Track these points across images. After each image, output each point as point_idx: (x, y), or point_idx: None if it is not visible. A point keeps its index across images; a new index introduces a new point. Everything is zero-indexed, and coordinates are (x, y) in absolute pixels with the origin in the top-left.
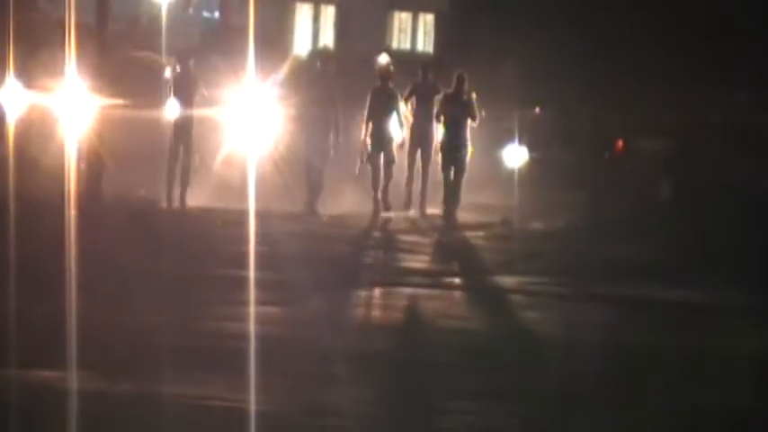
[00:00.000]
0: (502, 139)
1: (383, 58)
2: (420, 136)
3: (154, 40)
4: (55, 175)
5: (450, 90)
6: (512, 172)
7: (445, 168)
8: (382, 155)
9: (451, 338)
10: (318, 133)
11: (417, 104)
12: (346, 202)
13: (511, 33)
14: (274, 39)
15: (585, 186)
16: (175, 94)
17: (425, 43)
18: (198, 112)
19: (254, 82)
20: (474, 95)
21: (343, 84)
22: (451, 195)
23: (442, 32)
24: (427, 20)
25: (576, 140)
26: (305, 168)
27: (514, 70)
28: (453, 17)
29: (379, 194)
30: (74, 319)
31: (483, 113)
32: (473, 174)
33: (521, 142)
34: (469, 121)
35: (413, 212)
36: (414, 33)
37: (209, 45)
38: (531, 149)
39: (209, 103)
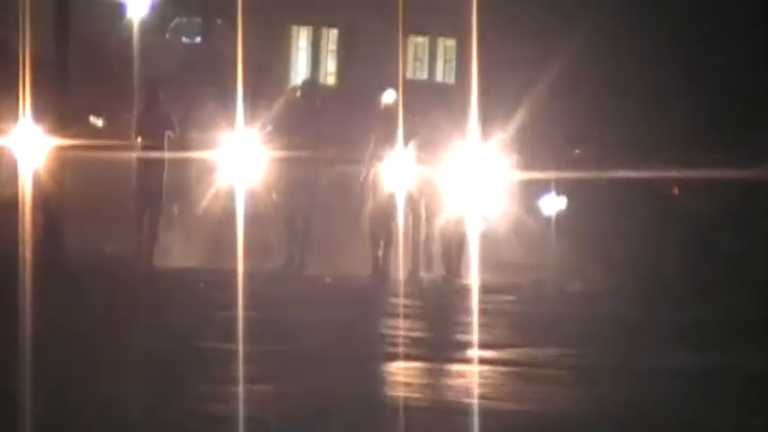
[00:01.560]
0: (537, 187)
1: (388, 96)
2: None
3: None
4: (7, 229)
5: None
6: (548, 224)
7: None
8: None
9: (489, 423)
10: (302, 180)
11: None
12: (343, 259)
13: (541, 62)
14: (266, 68)
15: (634, 240)
16: (141, 132)
17: (445, 72)
18: (173, 154)
19: (241, 119)
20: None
21: (337, 121)
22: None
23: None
24: (447, 46)
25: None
26: (286, 221)
27: (550, 105)
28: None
29: (380, 252)
30: (26, 397)
31: None
32: (502, 228)
33: (558, 190)
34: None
35: (428, 274)
36: (432, 61)
37: (187, 74)
38: (569, 197)
39: (181, 145)
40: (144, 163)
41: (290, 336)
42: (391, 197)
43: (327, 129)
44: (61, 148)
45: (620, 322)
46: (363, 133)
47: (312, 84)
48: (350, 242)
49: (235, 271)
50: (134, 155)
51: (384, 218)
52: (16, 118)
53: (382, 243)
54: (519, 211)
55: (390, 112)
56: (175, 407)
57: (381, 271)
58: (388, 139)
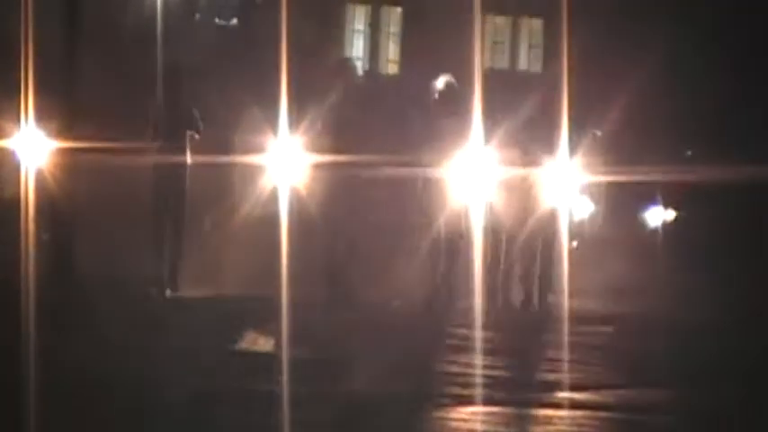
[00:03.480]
0: (640, 197)
1: (442, 83)
2: None
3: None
4: (7, 246)
5: None
6: (653, 241)
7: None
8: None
9: None
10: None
11: None
12: (400, 281)
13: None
14: (316, 54)
15: (759, 259)
16: (161, 130)
17: (531, 59)
18: (199, 157)
19: (285, 116)
20: None
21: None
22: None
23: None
24: (533, 27)
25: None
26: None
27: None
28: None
29: (439, 278)
30: None
31: None
32: (600, 245)
33: (666, 202)
34: None
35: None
36: (514, 45)
37: (219, 62)
38: (678, 209)
39: (212, 147)
40: (163, 167)
41: (346, 376)
42: (459, 207)
43: (389, 123)
44: (69, 152)
45: (740, 359)
46: (424, 132)
47: (349, 64)
48: (410, 261)
49: (277, 299)
50: (152, 158)
51: (450, 233)
52: (19, 118)
53: (447, 263)
54: (619, 223)
55: (447, 101)
56: None
57: (448, 296)
58: (446, 136)
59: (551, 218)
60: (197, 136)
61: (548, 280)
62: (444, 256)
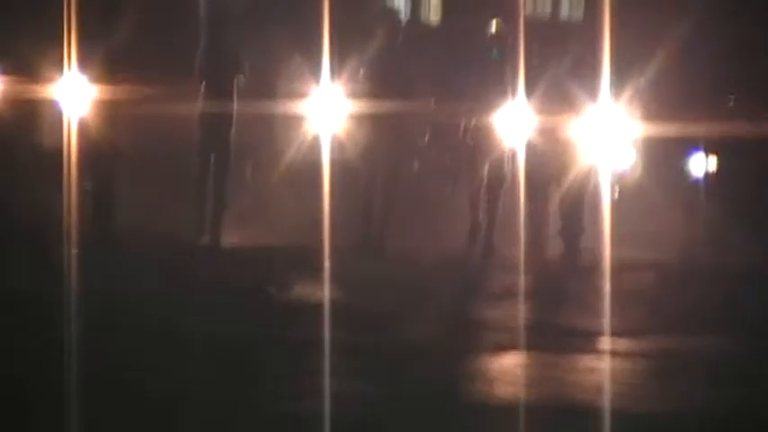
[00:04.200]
0: (682, 144)
1: (494, 26)
2: None
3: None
4: (47, 200)
5: None
6: (695, 190)
7: None
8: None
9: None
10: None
11: None
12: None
13: None
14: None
15: None
16: (203, 76)
17: (573, 5)
18: (242, 104)
19: (327, 64)
20: None
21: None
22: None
23: None
24: None
25: None
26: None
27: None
28: None
29: (482, 223)
30: None
31: None
32: (640, 195)
33: (708, 149)
34: None
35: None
36: None
37: (262, 8)
38: (722, 156)
39: (254, 94)
40: (207, 114)
41: (381, 326)
42: (498, 156)
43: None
44: (112, 100)
45: None
46: (467, 80)
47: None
48: (448, 211)
49: (316, 248)
50: (196, 105)
51: (491, 180)
52: (61, 65)
53: (485, 212)
54: (661, 173)
55: (498, 44)
56: (257, 406)
57: (489, 244)
58: (496, 82)
59: (592, 168)
60: (242, 81)
61: (579, 229)
62: (485, 204)
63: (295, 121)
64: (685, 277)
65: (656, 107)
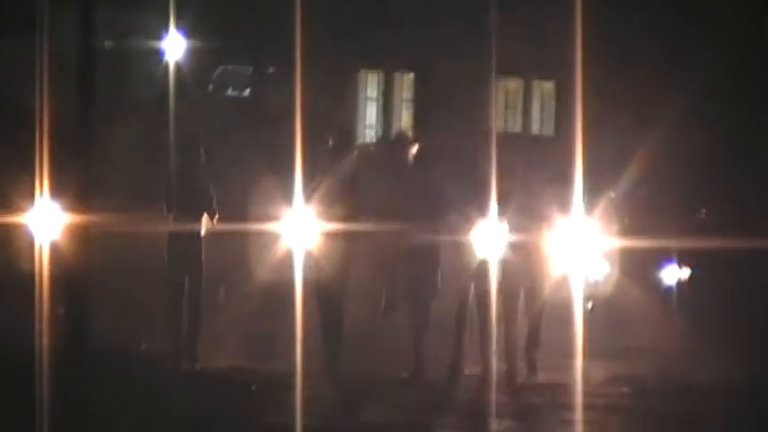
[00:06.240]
0: (655, 257)
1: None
2: None
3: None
4: (22, 320)
5: None
6: (669, 301)
7: None
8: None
9: None
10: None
11: None
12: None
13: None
14: (329, 121)
15: None
16: (176, 201)
17: (543, 121)
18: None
19: (299, 185)
20: None
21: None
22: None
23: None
24: (545, 90)
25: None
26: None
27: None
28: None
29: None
30: None
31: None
32: (614, 308)
33: (681, 260)
34: None
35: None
36: (526, 108)
37: (232, 132)
38: (693, 269)
39: (222, 216)
40: (178, 237)
41: None
42: (471, 273)
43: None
44: (83, 225)
45: (759, 422)
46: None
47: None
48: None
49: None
50: (166, 228)
51: (462, 298)
52: (33, 192)
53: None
54: (634, 285)
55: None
56: None
57: (457, 367)
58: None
59: (565, 281)
60: (213, 221)
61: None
62: (456, 321)
63: (268, 242)
64: (656, 390)
65: (628, 219)
